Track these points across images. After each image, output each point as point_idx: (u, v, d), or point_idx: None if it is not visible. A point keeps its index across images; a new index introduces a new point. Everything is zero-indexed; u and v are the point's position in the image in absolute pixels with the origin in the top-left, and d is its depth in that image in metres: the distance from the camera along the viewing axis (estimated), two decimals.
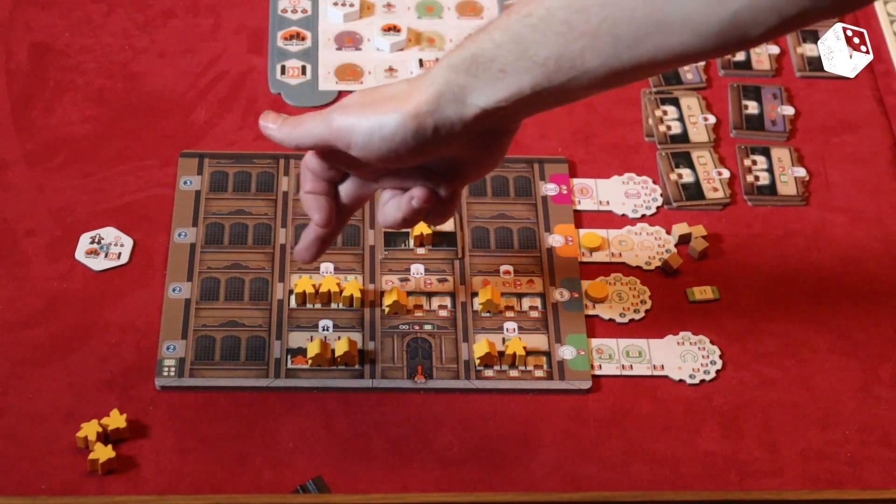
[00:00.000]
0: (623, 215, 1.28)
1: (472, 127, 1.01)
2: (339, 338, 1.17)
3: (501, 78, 0.99)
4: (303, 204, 1.09)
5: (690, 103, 1.37)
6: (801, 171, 1.32)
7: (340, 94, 1.36)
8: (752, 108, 1.37)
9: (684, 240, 1.26)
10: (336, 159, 1.07)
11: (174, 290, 1.20)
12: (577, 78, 0.99)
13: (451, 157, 1.05)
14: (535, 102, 1.01)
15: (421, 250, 1.24)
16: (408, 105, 1.00)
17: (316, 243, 1.11)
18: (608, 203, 1.29)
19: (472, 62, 1.00)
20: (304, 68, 1.38)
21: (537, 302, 1.21)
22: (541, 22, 0.98)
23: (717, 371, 1.17)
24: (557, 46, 0.98)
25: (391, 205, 1.07)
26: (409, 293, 1.21)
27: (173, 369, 1.15)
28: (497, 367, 1.16)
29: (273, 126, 1.08)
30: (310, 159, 1.08)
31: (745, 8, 0.93)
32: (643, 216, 1.28)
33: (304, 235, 1.11)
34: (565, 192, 1.29)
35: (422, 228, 1.24)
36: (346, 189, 1.09)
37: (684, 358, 1.18)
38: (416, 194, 1.06)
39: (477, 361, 1.16)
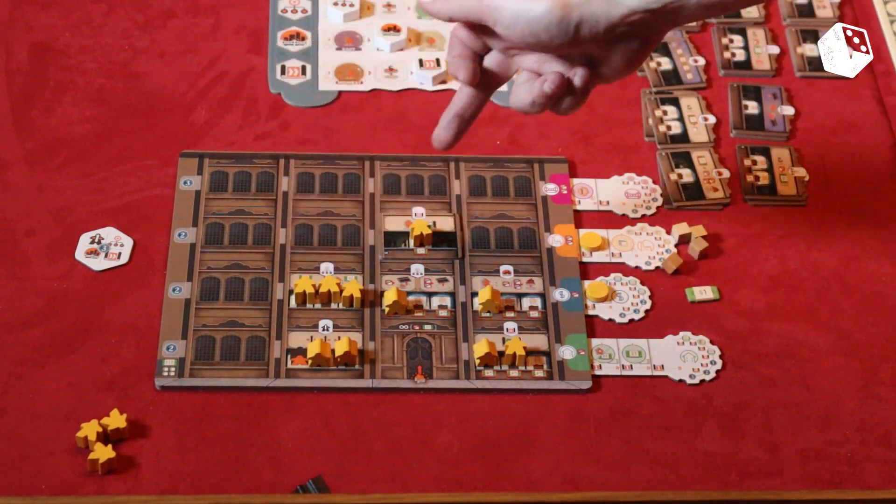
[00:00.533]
0: (623, 215, 1.28)
1: (615, 27, 1.03)
2: (339, 338, 1.17)
3: None
4: (449, 68, 1.13)
5: (690, 103, 1.37)
6: (801, 171, 1.32)
7: (340, 94, 1.36)
8: (752, 108, 1.37)
9: (684, 240, 1.26)
10: (483, 32, 1.10)
11: (174, 290, 1.20)
12: None
13: (590, 53, 1.07)
14: (682, 9, 1.02)
15: (421, 250, 1.24)
16: None
17: (455, 121, 1.14)
18: (608, 203, 1.29)
19: None
20: (304, 68, 1.38)
21: (537, 302, 1.21)
22: None
23: (717, 371, 1.17)
24: None
25: (524, 87, 1.10)
26: (409, 293, 1.21)
27: (173, 369, 1.15)
28: (497, 367, 1.16)
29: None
30: (460, 29, 1.11)
31: None
32: (643, 216, 1.28)
33: (444, 115, 1.14)
34: (565, 192, 1.29)
35: (422, 228, 1.24)
36: (489, 62, 1.12)
37: (684, 358, 1.18)
38: (549, 78, 1.08)
39: (477, 361, 1.16)
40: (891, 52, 1.41)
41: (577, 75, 1.08)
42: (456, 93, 1.14)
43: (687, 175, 1.31)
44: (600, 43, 1.05)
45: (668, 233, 1.27)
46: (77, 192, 1.27)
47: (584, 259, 1.24)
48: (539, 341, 1.18)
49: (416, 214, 1.26)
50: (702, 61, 1.41)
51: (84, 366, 1.15)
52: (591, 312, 1.21)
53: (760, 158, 1.33)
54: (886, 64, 1.40)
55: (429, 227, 1.24)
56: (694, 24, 1.45)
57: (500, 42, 1.10)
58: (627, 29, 1.04)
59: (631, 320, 1.20)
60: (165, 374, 1.14)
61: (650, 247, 1.26)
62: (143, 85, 1.36)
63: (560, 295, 1.21)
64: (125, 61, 1.38)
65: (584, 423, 1.14)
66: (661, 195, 1.30)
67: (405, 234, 1.25)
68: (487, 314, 1.20)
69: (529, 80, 1.10)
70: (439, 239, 1.24)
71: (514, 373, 1.16)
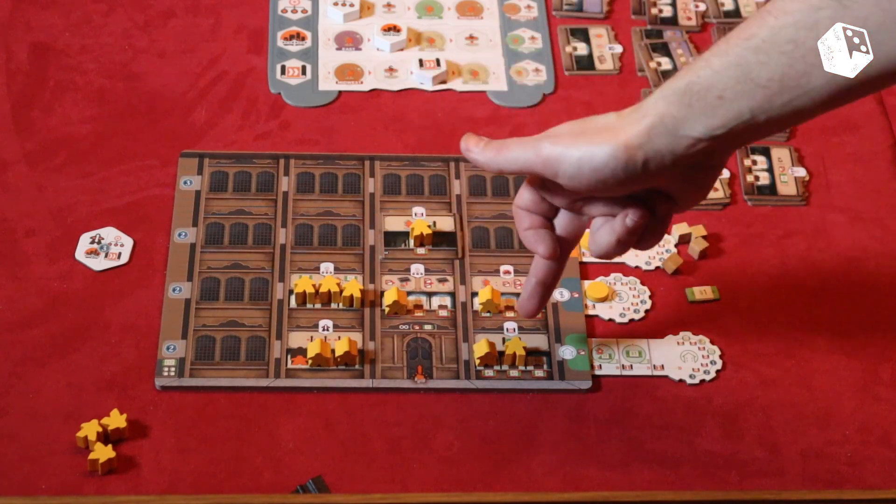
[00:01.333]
0: None
1: (682, 160, 0.99)
2: (339, 338, 1.17)
3: (719, 105, 0.97)
4: (525, 242, 1.08)
5: None
6: (801, 171, 1.32)
7: (340, 94, 1.36)
8: None
9: (684, 240, 1.26)
10: (545, 188, 1.07)
11: (174, 290, 1.20)
12: (800, 98, 0.96)
13: (659, 187, 1.03)
14: (749, 130, 0.98)
15: (421, 250, 1.24)
16: (619, 136, 0.99)
17: (538, 289, 1.10)
18: None
19: (687, 92, 0.98)
20: (304, 68, 1.38)
21: None
22: (765, 43, 0.95)
23: (717, 371, 1.17)
24: (781, 66, 0.95)
25: (604, 230, 1.05)
26: (409, 293, 1.21)
27: (173, 369, 1.15)
28: (497, 367, 1.16)
29: (475, 149, 1.06)
30: (520, 198, 1.08)
31: None
32: None
33: (525, 284, 1.11)
34: None
35: (422, 228, 1.24)
36: (561, 223, 1.09)
37: (684, 358, 1.18)
38: (630, 212, 1.04)
39: (477, 361, 1.16)
40: None
41: (654, 207, 1.05)
42: (534, 261, 1.10)
43: None
44: (668, 177, 1.01)
45: (669, 233, 1.27)
46: (77, 192, 1.27)
47: (584, 259, 1.24)
48: (539, 341, 1.18)
49: (416, 214, 1.26)
50: None
51: (84, 366, 1.15)
52: (591, 312, 1.21)
53: (760, 158, 1.33)
54: None
55: (429, 227, 1.24)
56: (694, 23, 1.45)
57: (565, 195, 1.06)
58: (694, 159, 1.00)
59: (631, 320, 1.20)
60: (165, 374, 1.14)
61: None
62: (143, 85, 1.36)
63: (560, 295, 1.21)
64: (125, 61, 1.38)
65: (584, 423, 1.14)
66: None
67: (405, 234, 1.25)
68: (487, 314, 1.20)
69: (606, 223, 1.05)
70: (439, 239, 1.24)
71: (514, 373, 1.16)
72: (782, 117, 0.97)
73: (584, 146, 1.00)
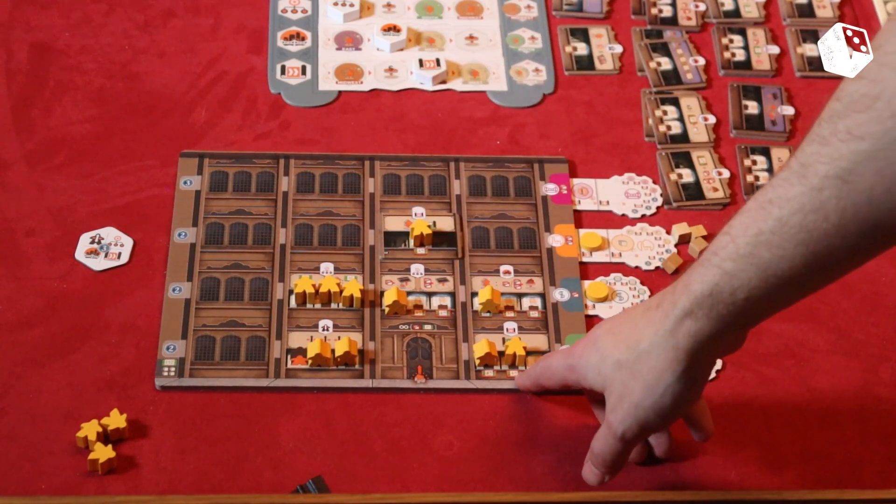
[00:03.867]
0: (623, 215, 1.28)
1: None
2: (339, 338, 1.17)
3: (745, 305, 0.97)
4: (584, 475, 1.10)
5: (690, 103, 1.37)
6: None
7: (340, 94, 1.36)
8: (752, 108, 1.37)
9: (684, 240, 1.26)
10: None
11: (174, 290, 1.20)
12: (827, 276, 0.96)
13: None
14: (776, 310, 1.00)
15: (421, 250, 1.24)
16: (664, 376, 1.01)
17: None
18: (608, 203, 1.29)
19: (711, 301, 0.97)
20: (304, 68, 1.38)
21: (537, 302, 1.21)
22: (774, 236, 0.94)
23: (717, 371, 1.17)
24: (801, 256, 0.93)
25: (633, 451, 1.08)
26: (409, 293, 1.21)
27: (173, 369, 1.15)
28: (497, 367, 1.16)
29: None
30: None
31: None
32: (643, 216, 1.28)
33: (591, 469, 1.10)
34: (565, 192, 1.29)
35: (422, 228, 1.24)
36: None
37: None
38: (662, 445, 1.11)
39: (477, 361, 1.16)
40: None
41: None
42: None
43: (687, 175, 1.31)
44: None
45: (668, 233, 1.27)
46: (77, 192, 1.27)
47: (584, 259, 1.24)
48: (539, 341, 1.18)
49: (416, 214, 1.26)
50: (702, 61, 1.41)
51: (84, 366, 1.15)
52: (591, 312, 1.21)
53: (760, 158, 1.33)
54: None
55: (429, 227, 1.24)
56: (694, 23, 1.45)
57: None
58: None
59: None
60: (165, 374, 1.14)
61: (650, 247, 1.26)
62: (143, 85, 1.36)
63: (560, 295, 1.21)
64: (125, 61, 1.38)
65: (584, 423, 1.14)
66: (661, 195, 1.30)
67: (405, 234, 1.25)
68: (487, 314, 1.20)
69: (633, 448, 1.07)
70: (439, 239, 1.24)
71: (514, 373, 1.16)
72: (814, 289, 0.97)
73: (643, 383, 1.02)
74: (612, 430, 1.04)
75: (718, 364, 1.17)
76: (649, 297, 1.22)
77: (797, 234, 0.93)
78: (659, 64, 1.40)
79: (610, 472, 1.07)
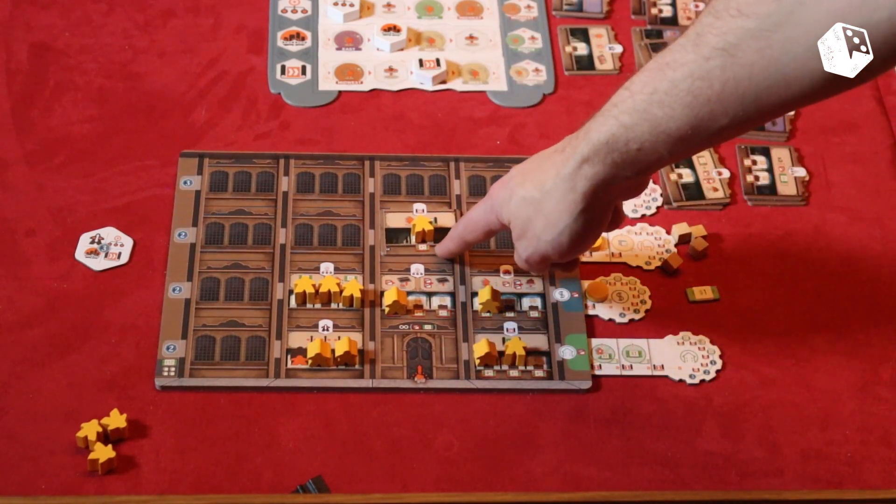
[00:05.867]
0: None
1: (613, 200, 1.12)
2: (339, 338, 1.17)
3: (639, 155, 1.05)
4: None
5: None
6: (801, 171, 1.32)
7: (340, 94, 1.36)
8: None
9: (684, 240, 1.26)
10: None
11: (174, 290, 1.20)
12: (710, 138, 1.03)
13: None
14: (673, 160, 1.08)
15: (423, 246, 1.24)
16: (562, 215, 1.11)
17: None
18: None
19: (609, 151, 1.06)
20: (304, 68, 1.38)
21: (537, 302, 1.21)
22: (667, 96, 1.02)
23: (717, 371, 1.17)
24: (687, 117, 1.01)
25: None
26: (409, 293, 1.21)
27: (173, 369, 1.15)
28: (497, 367, 1.16)
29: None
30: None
31: None
32: (643, 216, 1.28)
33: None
34: None
35: (423, 224, 1.24)
36: None
37: (684, 358, 1.18)
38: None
39: (477, 361, 1.16)
40: None
41: None
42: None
43: (687, 175, 1.31)
44: None
45: (668, 233, 1.27)
46: (77, 192, 1.27)
47: (584, 259, 1.24)
48: (539, 341, 1.18)
49: (417, 211, 1.26)
50: None
51: (84, 366, 1.15)
52: (591, 312, 1.21)
53: (760, 158, 1.33)
54: None
55: (430, 223, 1.24)
56: None
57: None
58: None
59: (631, 320, 1.20)
60: (165, 374, 1.14)
61: (650, 247, 1.26)
62: (143, 85, 1.36)
63: (560, 295, 1.21)
64: (125, 61, 1.38)
65: (584, 423, 1.14)
66: (661, 195, 1.30)
67: (407, 231, 1.25)
68: (487, 314, 1.20)
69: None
70: (441, 236, 1.24)
71: (514, 373, 1.16)
72: (700, 147, 1.05)
73: (545, 219, 1.12)
74: (517, 254, 1.17)
75: (718, 364, 1.17)
76: (649, 297, 1.22)
77: (685, 97, 1.01)
78: None
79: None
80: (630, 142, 1.04)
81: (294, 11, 1.44)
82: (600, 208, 1.10)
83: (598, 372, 1.17)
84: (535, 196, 1.11)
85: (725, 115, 1.00)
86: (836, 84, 0.97)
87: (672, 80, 1.01)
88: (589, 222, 1.10)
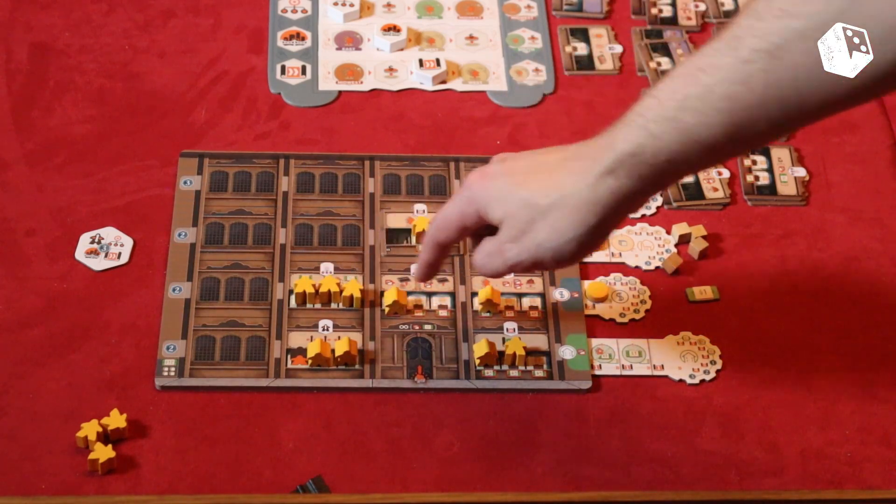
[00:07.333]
0: None
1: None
2: (339, 338, 1.17)
3: (666, 167, 0.99)
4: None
5: None
6: (801, 171, 1.32)
7: (340, 94, 1.36)
8: None
9: (684, 240, 1.26)
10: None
11: (174, 290, 1.20)
12: (744, 145, 0.99)
13: None
14: (689, 174, 1.03)
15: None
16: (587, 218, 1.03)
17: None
18: None
19: (634, 161, 0.99)
20: (304, 68, 1.38)
21: (537, 302, 1.21)
22: (700, 102, 0.96)
23: (717, 371, 1.17)
24: (722, 124, 0.96)
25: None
26: (409, 293, 1.21)
27: (173, 369, 1.15)
28: (497, 367, 1.16)
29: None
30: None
31: None
32: (643, 216, 1.28)
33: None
34: None
35: (424, 225, 1.24)
36: None
37: (684, 358, 1.18)
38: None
39: (477, 361, 1.16)
40: None
41: None
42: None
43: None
44: None
45: (668, 233, 1.27)
46: (77, 192, 1.27)
47: (584, 259, 1.24)
48: (539, 341, 1.18)
49: (417, 211, 1.26)
50: None
51: (84, 366, 1.15)
52: (590, 312, 1.21)
53: (760, 158, 1.33)
54: None
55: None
56: (694, 23, 1.45)
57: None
58: None
59: (631, 320, 1.20)
60: (165, 374, 1.14)
61: (650, 247, 1.26)
62: (143, 85, 1.36)
63: (560, 295, 1.21)
64: (125, 61, 1.38)
65: (584, 423, 1.14)
66: (661, 195, 1.30)
67: (407, 231, 1.25)
68: (487, 314, 1.20)
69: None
70: None
71: (514, 373, 1.16)
72: (735, 154, 1.02)
73: (551, 227, 1.03)
74: (503, 257, 1.06)
75: (718, 364, 1.17)
76: (649, 297, 1.22)
77: (720, 102, 0.95)
78: (659, 64, 1.40)
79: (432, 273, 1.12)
80: (659, 152, 0.98)
81: (294, 11, 1.44)
82: (615, 223, 1.03)
83: (598, 372, 1.17)
84: (540, 201, 1.03)
85: (765, 120, 0.95)
86: (887, 81, 0.93)
87: (706, 85, 0.95)
88: (599, 236, 1.03)
